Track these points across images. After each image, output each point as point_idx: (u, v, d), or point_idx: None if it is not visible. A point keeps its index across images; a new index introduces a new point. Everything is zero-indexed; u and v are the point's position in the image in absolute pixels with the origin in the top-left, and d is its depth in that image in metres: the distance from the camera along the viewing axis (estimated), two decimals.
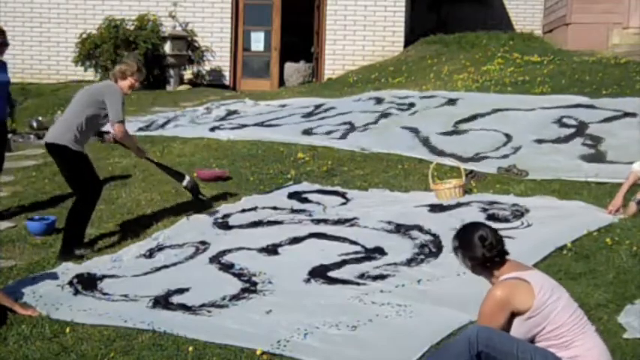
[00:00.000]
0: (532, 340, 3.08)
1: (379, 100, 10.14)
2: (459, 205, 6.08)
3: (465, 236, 3.23)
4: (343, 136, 8.54)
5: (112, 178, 7.37)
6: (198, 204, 6.41)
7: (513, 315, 3.06)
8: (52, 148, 5.52)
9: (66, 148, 5.43)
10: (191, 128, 9.62)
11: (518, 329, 3.07)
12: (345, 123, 9.10)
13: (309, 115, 9.88)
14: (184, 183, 6.23)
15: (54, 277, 4.78)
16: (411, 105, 9.57)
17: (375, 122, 8.99)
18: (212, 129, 9.34)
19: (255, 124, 9.51)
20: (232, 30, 14.90)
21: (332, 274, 4.75)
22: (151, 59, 13.47)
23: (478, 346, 2.95)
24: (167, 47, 13.70)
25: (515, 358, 2.94)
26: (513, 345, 2.97)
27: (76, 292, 4.54)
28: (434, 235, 5.38)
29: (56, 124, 5.69)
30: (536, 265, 4.41)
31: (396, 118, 9.09)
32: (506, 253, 3.21)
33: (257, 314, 4.14)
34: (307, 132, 8.85)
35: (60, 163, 5.61)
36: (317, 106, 10.33)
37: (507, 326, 3.09)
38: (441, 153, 7.56)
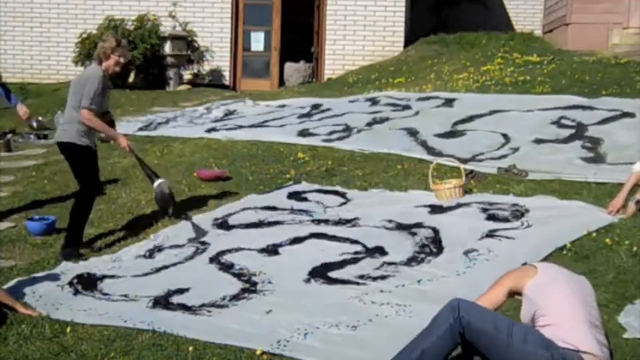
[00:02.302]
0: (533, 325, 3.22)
1: (376, 102, 10.14)
2: (459, 205, 6.08)
3: None
4: (339, 138, 8.53)
5: (112, 178, 7.38)
6: (197, 204, 6.41)
7: (513, 294, 3.28)
8: (60, 146, 5.60)
9: (71, 144, 5.48)
10: (189, 128, 9.63)
11: (523, 310, 3.25)
12: (341, 124, 9.10)
13: (306, 116, 9.89)
14: (154, 186, 5.84)
15: (54, 277, 4.78)
16: (408, 107, 9.56)
17: (372, 124, 8.98)
18: (209, 130, 9.36)
19: (252, 126, 9.53)
20: (232, 30, 14.91)
21: (332, 274, 4.75)
22: (150, 59, 13.48)
23: (460, 311, 3.11)
24: (167, 47, 13.71)
25: (493, 327, 3.06)
26: (491, 315, 3.13)
27: (76, 292, 4.54)
28: (434, 235, 5.38)
29: (61, 121, 5.75)
30: None
31: (393, 119, 9.08)
32: None
33: (257, 314, 4.13)
34: (303, 133, 8.85)
35: (67, 160, 5.67)
36: (314, 107, 10.33)
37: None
38: (439, 154, 7.55)
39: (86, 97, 5.40)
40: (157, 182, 5.81)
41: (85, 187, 5.53)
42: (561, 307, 3.10)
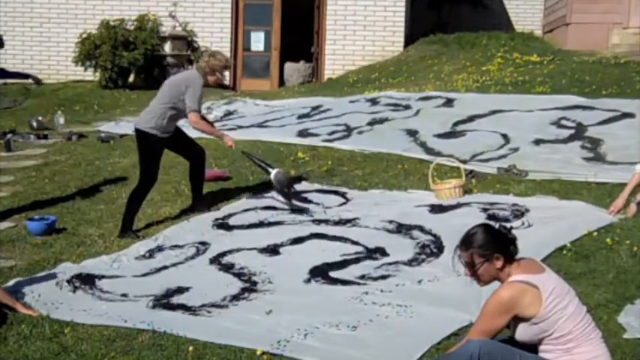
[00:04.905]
0: (539, 343, 3.05)
1: (376, 102, 10.13)
2: (459, 205, 6.08)
3: (470, 233, 3.20)
4: (339, 139, 8.52)
5: (112, 178, 7.38)
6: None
7: (516, 318, 3.03)
8: (136, 133, 5.95)
9: (143, 133, 5.85)
10: (188, 128, 9.59)
11: (524, 333, 3.05)
12: (341, 124, 9.09)
13: (306, 116, 9.88)
14: (271, 176, 6.30)
15: (53, 277, 4.78)
16: (408, 107, 9.56)
17: (372, 124, 8.97)
18: None
19: (252, 126, 9.53)
20: (232, 30, 14.90)
21: (333, 274, 4.75)
22: (150, 59, 13.47)
23: (480, 358, 2.89)
24: (167, 47, 13.70)
25: None
26: (516, 358, 2.95)
27: (76, 292, 4.53)
28: (435, 235, 5.38)
29: (144, 110, 6.09)
30: None
31: (393, 120, 9.08)
32: (515, 249, 3.17)
33: (257, 314, 4.13)
34: (303, 133, 8.84)
35: (137, 146, 5.99)
36: (314, 108, 10.32)
37: (508, 328, 3.09)
38: (439, 154, 7.54)
39: (194, 101, 5.79)
40: (273, 172, 6.32)
41: (144, 174, 5.90)
42: (577, 327, 2.98)
